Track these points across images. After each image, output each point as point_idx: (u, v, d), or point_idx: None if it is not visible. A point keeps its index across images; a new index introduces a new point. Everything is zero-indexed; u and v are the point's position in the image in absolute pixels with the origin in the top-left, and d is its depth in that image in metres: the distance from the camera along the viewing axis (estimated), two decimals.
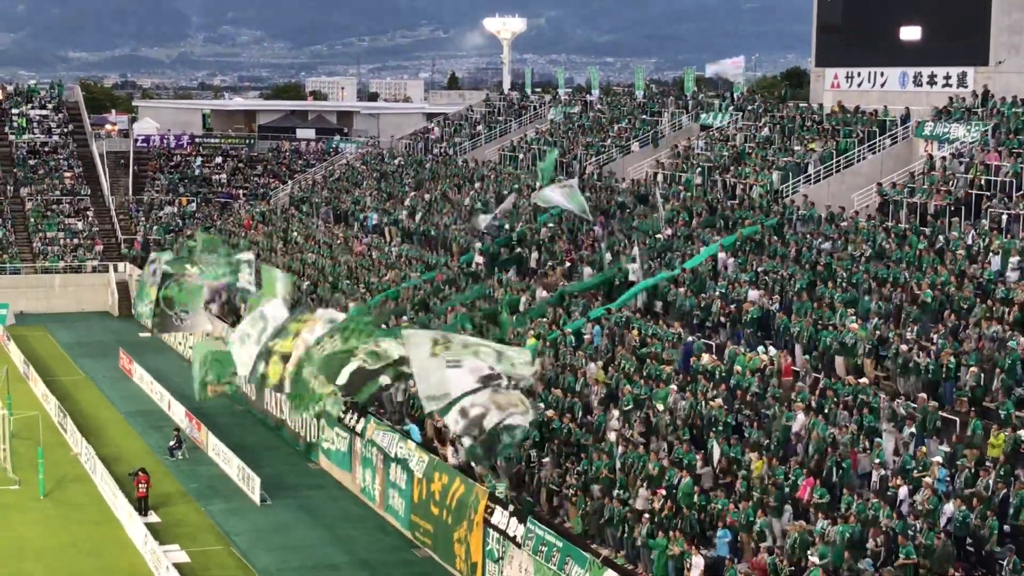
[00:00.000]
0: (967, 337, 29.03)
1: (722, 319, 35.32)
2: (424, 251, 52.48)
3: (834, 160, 44.07)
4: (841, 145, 44.68)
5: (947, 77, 45.42)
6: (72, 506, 37.45)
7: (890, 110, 45.54)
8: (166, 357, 56.18)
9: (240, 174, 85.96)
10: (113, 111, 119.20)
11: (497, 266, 46.25)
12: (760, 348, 32.55)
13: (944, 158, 40.65)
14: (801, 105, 52.20)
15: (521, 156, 60.77)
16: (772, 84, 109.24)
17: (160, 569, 31.42)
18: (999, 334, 28.48)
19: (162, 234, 74.85)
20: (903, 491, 24.73)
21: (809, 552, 23.82)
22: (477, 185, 57.98)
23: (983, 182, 37.24)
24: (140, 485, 36.35)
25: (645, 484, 28.02)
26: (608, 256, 41.85)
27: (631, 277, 39.77)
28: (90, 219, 77.60)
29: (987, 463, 24.62)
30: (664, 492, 27.20)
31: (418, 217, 56.61)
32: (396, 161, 71.02)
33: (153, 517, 35.88)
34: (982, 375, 27.32)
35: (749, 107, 54.00)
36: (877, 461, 25.83)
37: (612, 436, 30.71)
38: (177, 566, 31.35)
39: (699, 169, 48.17)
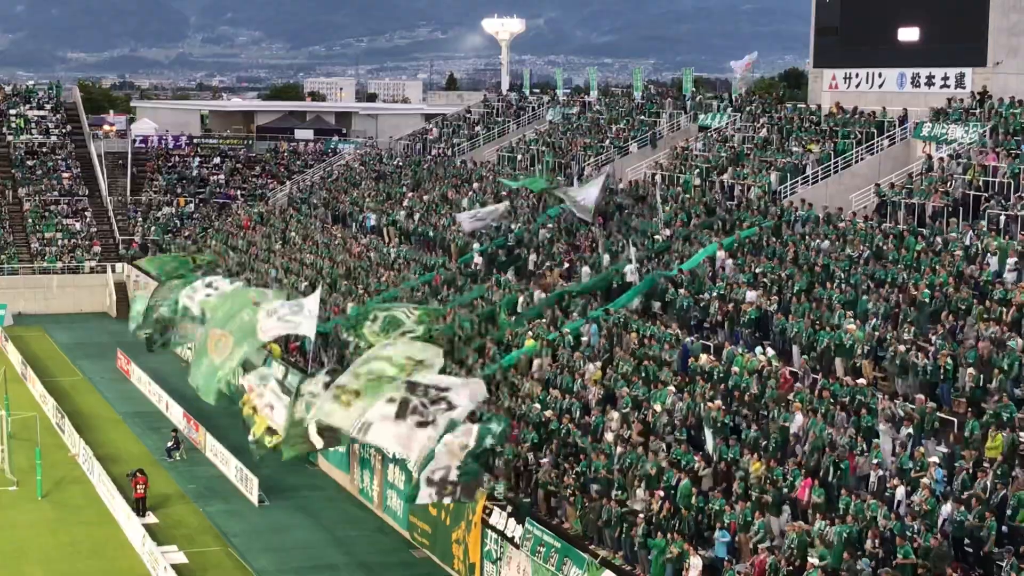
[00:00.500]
0: (965, 338, 29.02)
1: (720, 319, 35.31)
2: (422, 252, 52.46)
3: (832, 161, 44.08)
4: (839, 146, 44.68)
5: (945, 78, 45.42)
6: (70, 507, 37.45)
7: (888, 111, 45.53)
8: (164, 358, 56.01)
9: (238, 175, 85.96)
10: (111, 112, 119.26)
11: (495, 267, 46.26)
12: (758, 349, 32.54)
13: (942, 159, 40.65)
14: (799, 106, 52.18)
15: (520, 157, 60.77)
16: (770, 85, 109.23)
17: (158, 570, 31.42)
18: (997, 335, 28.48)
19: (160, 234, 74.84)
20: (900, 491, 24.73)
21: (808, 554, 23.81)
22: (475, 186, 57.98)
23: (981, 183, 37.23)
24: (138, 486, 36.37)
25: (643, 485, 28.01)
26: (607, 257, 41.85)
27: (628, 278, 39.78)
28: (88, 220, 77.59)
29: (985, 464, 24.62)
30: (662, 494, 27.19)
31: (416, 218, 56.61)
32: (394, 162, 71.04)
33: (151, 518, 35.90)
34: (980, 376, 27.31)
35: (747, 108, 54.00)
36: (875, 462, 25.82)
37: (610, 437, 30.71)
38: (175, 567, 31.38)
39: (697, 170, 48.17)
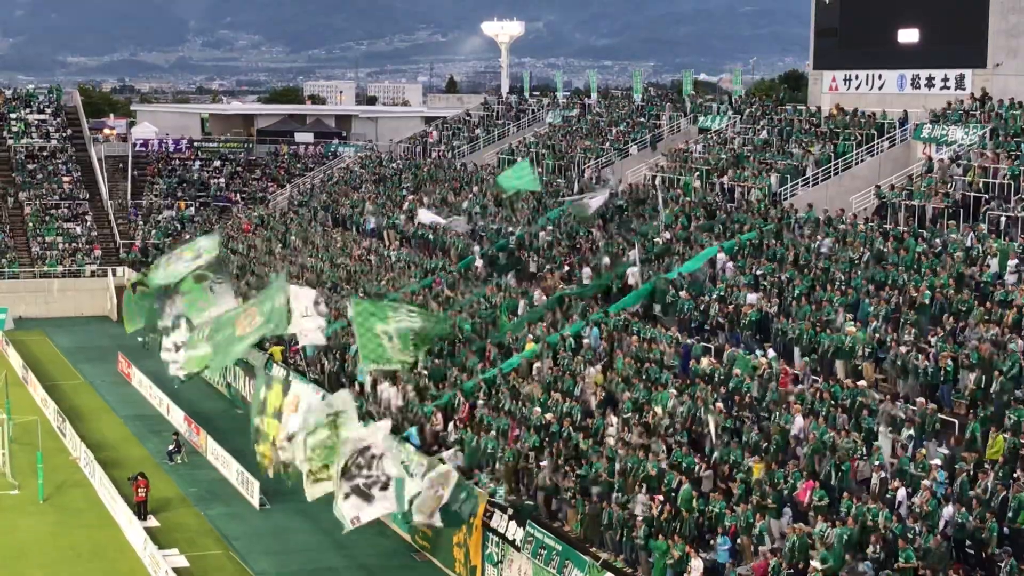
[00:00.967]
0: (966, 340, 29.03)
1: (720, 320, 35.32)
2: (422, 255, 52.47)
3: (832, 163, 44.09)
4: (839, 148, 44.70)
5: (945, 80, 45.46)
6: (71, 511, 37.43)
7: (888, 113, 45.56)
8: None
9: (238, 178, 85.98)
10: (111, 115, 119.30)
11: (496, 270, 46.27)
12: (759, 351, 32.54)
13: (942, 160, 40.66)
14: (799, 108, 52.23)
15: (519, 159, 60.73)
16: (770, 87, 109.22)
17: (159, 573, 31.41)
18: (998, 336, 28.49)
19: (160, 238, 74.86)
20: (901, 493, 24.74)
21: (811, 558, 23.81)
22: (475, 189, 58.00)
23: (981, 185, 37.26)
24: (139, 489, 36.34)
25: (644, 488, 28.00)
26: (606, 260, 41.86)
27: (630, 281, 39.78)
28: (89, 223, 77.61)
29: (986, 465, 24.62)
30: (663, 498, 27.20)
31: (416, 221, 56.59)
32: (394, 165, 71.06)
33: (152, 521, 35.87)
34: (982, 378, 27.32)
35: (747, 110, 54.03)
36: (876, 464, 25.83)
37: (611, 440, 30.71)
38: (176, 570, 31.36)
39: (697, 172, 48.18)
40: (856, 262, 35.23)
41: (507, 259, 46.87)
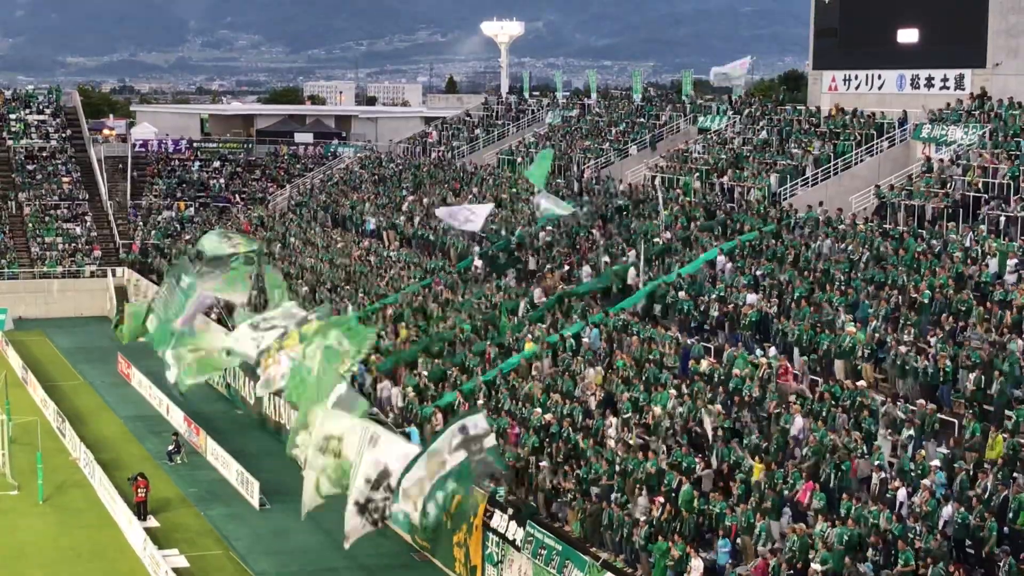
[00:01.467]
0: (965, 340, 29.03)
1: (721, 319, 35.33)
2: (422, 256, 52.49)
3: (832, 163, 44.10)
4: (839, 148, 44.71)
5: (944, 80, 45.48)
6: (71, 511, 37.43)
7: (887, 113, 45.57)
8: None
9: (238, 178, 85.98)
10: (111, 116, 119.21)
11: (495, 271, 46.26)
12: (759, 351, 32.55)
13: (941, 160, 40.69)
14: (799, 108, 52.25)
15: (519, 160, 60.79)
16: (770, 87, 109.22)
17: (159, 573, 31.41)
18: (997, 337, 28.49)
19: (160, 238, 74.85)
20: (902, 493, 24.74)
21: (811, 559, 23.80)
22: (475, 189, 58.00)
23: (980, 185, 37.27)
24: (139, 490, 36.34)
25: (644, 490, 27.99)
26: (606, 259, 41.87)
27: (630, 281, 39.79)
28: (88, 224, 77.62)
29: (986, 465, 24.63)
30: (663, 500, 27.20)
31: (416, 221, 56.63)
32: (394, 165, 71.05)
33: (152, 522, 35.87)
34: (981, 378, 27.33)
35: (747, 110, 54.04)
36: (876, 464, 25.83)
37: (611, 442, 30.71)
38: (176, 571, 31.37)
39: (697, 173, 48.19)
40: (856, 262, 35.24)
41: (507, 259, 46.87)
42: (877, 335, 30.55)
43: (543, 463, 30.86)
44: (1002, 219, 35.08)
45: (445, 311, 43.43)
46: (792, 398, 29.38)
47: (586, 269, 42.12)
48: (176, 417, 46.38)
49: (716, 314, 35.58)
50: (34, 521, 36.49)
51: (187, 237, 74.82)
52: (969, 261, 32.98)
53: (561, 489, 29.96)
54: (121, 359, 56.35)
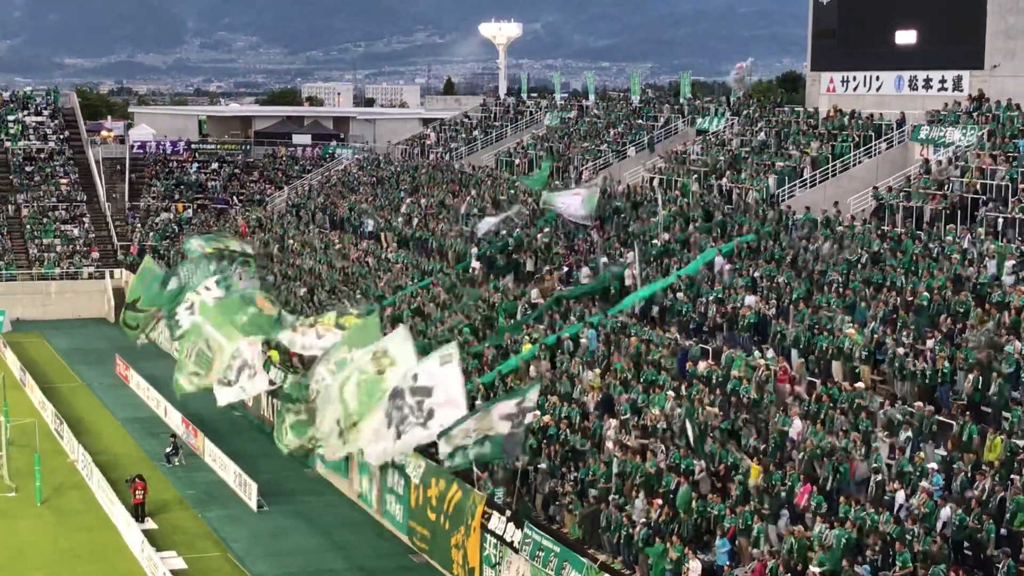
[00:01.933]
0: (964, 341, 29.02)
1: (719, 321, 35.30)
2: (420, 257, 52.47)
3: (830, 164, 44.10)
4: (837, 149, 44.71)
5: (942, 81, 45.47)
6: (69, 513, 37.42)
7: (885, 114, 45.57)
8: (162, 363, 55.99)
9: (236, 180, 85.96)
10: (109, 117, 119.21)
11: (494, 272, 46.25)
12: (756, 353, 32.53)
13: (939, 162, 40.69)
14: (797, 109, 52.25)
15: (517, 161, 60.79)
16: (768, 88, 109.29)
17: (157, 575, 31.39)
18: (996, 339, 28.46)
19: (158, 240, 74.83)
20: (900, 495, 24.73)
21: (810, 561, 23.80)
22: (473, 191, 57.99)
23: (978, 186, 37.26)
24: (137, 492, 36.34)
25: (642, 492, 27.97)
26: (604, 260, 41.85)
27: (628, 282, 39.77)
28: (86, 225, 77.61)
29: (983, 467, 24.63)
30: (661, 502, 27.19)
31: (414, 223, 56.62)
32: (392, 167, 71.04)
33: (150, 523, 35.86)
34: (979, 380, 27.32)
35: (745, 112, 54.03)
36: (874, 466, 25.82)
37: (610, 444, 30.68)
38: (174, 572, 31.38)
39: (695, 174, 48.18)
40: (854, 264, 35.22)
41: (505, 261, 46.86)
42: (875, 337, 30.54)
43: (541, 465, 30.84)
44: (1000, 221, 35.07)
45: (444, 312, 43.43)
46: (790, 400, 29.38)
47: (585, 271, 42.08)
48: (174, 419, 46.37)
49: (714, 316, 35.57)
50: (32, 523, 36.47)
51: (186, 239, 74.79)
52: (967, 263, 32.96)
53: (559, 491, 29.94)
54: (119, 361, 56.35)
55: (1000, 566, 22.09)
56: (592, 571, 26.46)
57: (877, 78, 48.30)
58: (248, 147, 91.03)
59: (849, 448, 26.51)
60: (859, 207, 40.99)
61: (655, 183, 49.19)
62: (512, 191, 54.30)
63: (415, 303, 45.57)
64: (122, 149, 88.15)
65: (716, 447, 28.63)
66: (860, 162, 44.11)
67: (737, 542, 25.66)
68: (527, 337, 38.54)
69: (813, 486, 25.98)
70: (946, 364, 28.09)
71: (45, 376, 55.13)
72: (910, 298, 31.78)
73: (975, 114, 42.16)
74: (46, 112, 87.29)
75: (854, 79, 49.42)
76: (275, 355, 46.15)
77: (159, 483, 39.45)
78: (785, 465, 27.13)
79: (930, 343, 29.27)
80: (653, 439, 30.13)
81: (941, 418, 27.31)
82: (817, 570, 23.40)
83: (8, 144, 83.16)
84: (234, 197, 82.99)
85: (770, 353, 32.21)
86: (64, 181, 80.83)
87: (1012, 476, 23.99)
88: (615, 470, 29.13)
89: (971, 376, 27.42)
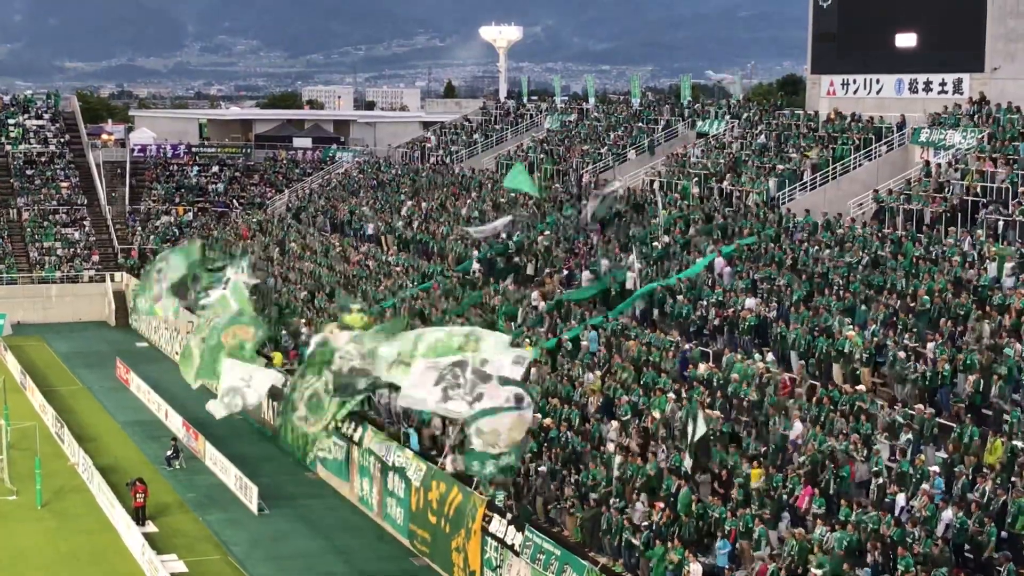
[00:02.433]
0: (965, 344, 29.02)
1: (719, 324, 35.31)
2: (421, 260, 52.46)
3: (830, 167, 44.11)
4: (837, 152, 44.73)
5: (943, 84, 45.49)
6: (69, 516, 37.42)
7: (886, 117, 45.59)
8: (163, 367, 56.11)
9: (237, 183, 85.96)
10: (109, 121, 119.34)
11: (494, 275, 46.25)
12: (757, 356, 32.54)
13: (940, 165, 40.70)
14: (797, 112, 52.27)
15: (515, 163, 60.73)
16: (768, 91, 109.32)
17: None
18: (996, 340, 28.47)
19: (159, 243, 74.79)
20: (901, 498, 24.73)
21: (810, 564, 23.78)
22: (474, 194, 58.00)
23: (979, 189, 37.27)
24: (137, 495, 36.33)
25: (642, 495, 27.96)
26: (605, 263, 41.85)
27: (628, 285, 39.77)
28: (87, 229, 77.59)
29: (984, 470, 24.62)
30: (662, 504, 27.17)
31: (415, 226, 56.63)
32: (393, 170, 71.05)
33: (150, 527, 35.85)
34: (980, 382, 27.32)
35: (745, 115, 54.06)
36: (875, 469, 25.82)
37: (610, 447, 30.68)
38: None
39: (695, 177, 48.20)
40: (854, 266, 35.24)
41: (505, 263, 46.85)
42: (876, 339, 30.55)
43: (542, 468, 30.83)
44: (1000, 223, 35.09)
45: (444, 315, 43.39)
46: (791, 403, 29.37)
47: (586, 274, 42.09)
48: (175, 422, 46.37)
49: (715, 318, 35.58)
50: (33, 526, 36.47)
51: (184, 242, 74.79)
52: (967, 265, 32.97)
53: (560, 494, 29.92)
54: (120, 364, 56.37)
55: (1001, 569, 22.08)
56: (593, 574, 26.46)
57: (877, 81, 48.32)
58: (248, 150, 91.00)
59: (850, 451, 26.51)
60: (860, 210, 41.01)
61: (655, 186, 49.20)
62: (512, 194, 54.29)
63: (415, 306, 45.52)
64: (123, 152, 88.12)
65: (718, 449, 28.63)
66: (860, 165, 44.12)
67: (738, 545, 25.65)
68: (527, 339, 38.52)
69: (814, 489, 25.98)
70: (946, 366, 28.09)
71: (46, 379, 55.13)
72: (911, 301, 31.78)
73: (975, 117, 42.19)
74: (47, 116, 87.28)
75: (854, 82, 49.43)
76: (278, 357, 46.21)
77: (160, 486, 39.45)
78: (786, 468, 27.11)
79: (930, 346, 29.28)
80: (653, 442, 30.12)
81: (942, 421, 27.30)
82: (818, 573, 23.40)
83: (9, 148, 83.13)
84: (235, 200, 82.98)
85: (770, 356, 32.24)
86: (65, 185, 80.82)
87: (1013, 479, 23.99)
88: (616, 473, 29.11)
89: (972, 378, 27.43)
